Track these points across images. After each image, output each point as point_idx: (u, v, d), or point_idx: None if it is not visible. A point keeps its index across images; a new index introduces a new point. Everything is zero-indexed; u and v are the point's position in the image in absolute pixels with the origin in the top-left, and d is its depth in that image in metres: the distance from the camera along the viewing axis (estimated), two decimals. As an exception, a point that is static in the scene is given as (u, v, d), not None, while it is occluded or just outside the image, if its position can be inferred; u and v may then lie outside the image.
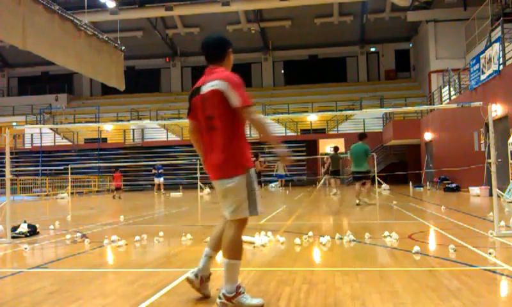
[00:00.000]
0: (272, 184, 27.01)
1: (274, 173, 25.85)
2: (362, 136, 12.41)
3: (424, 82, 32.26)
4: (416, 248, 4.98)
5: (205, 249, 3.56)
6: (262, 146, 26.77)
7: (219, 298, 3.21)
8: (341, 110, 31.50)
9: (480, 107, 6.47)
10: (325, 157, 20.55)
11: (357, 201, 11.90)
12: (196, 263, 4.83)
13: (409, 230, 6.76)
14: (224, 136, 3.20)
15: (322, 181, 24.20)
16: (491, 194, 7.35)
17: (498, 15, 18.71)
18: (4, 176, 7.12)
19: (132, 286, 3.86)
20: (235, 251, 3.27)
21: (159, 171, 24.64)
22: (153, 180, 25.21)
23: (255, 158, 17.92)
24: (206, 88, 3.25)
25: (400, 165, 27.38)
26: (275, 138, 3.27)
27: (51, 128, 32.76)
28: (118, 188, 20.49)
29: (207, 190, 21.79)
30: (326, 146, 31.07)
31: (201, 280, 3.47)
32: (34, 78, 42.44)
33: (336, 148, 19.17)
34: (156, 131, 33.72)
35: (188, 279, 3.47)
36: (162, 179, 24.82)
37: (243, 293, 3.20)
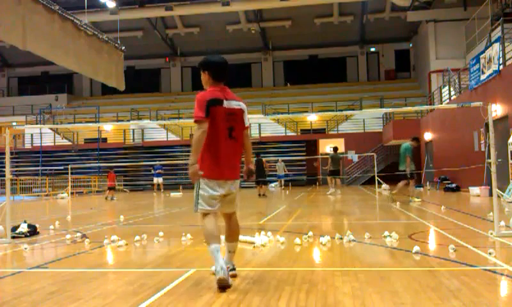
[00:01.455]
0: (272, 184, 27.04)
1: (277, 173, 25.97)
2: (412, 139, 12.98)
3: (424, 82, 32.25)
4: (416, 248, 4.97)
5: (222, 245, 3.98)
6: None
7: (234, 270, 4.02)
8: (341, 110, 31.49)
9: (480, 107, 6.47)
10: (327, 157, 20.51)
11: (409, 199, 12.46)
12: (196, 263, 4.84)
13: (409, 230, 6.76)
14: (240, 146, 4.03)
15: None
16: (491, 194, 7.35)
17: (498, 15, 18.71)
18: (4, 176, 7.12)
19: (132, 286, 3.86)
20: None
21: (157, 171, 24.63)
22: (153, 180, 25.24)
23: (260, 159, 17.89)
24: (232, 104, 3.91)
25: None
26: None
27: (51, 128, 32.76)
28: (110, 188, 20.06)
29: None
30: (326, 146, 31.08)
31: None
32: (34, 78, 42.44)
33: (335, 148, 19.16)
34: (156, 131, 33.71)
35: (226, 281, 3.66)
36: (161, 179, 24.82)
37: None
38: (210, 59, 4.01)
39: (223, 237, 4.05)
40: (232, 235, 4.06)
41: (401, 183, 12.78)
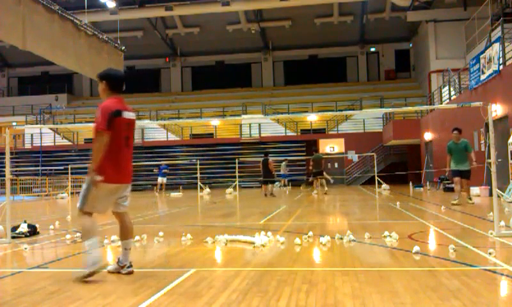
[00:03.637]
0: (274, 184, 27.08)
1: (281, 173, 26.06)
2: (452, 131, 11.50)
3: (424, 82, 32.26)
4: (416, 248, 4.97)
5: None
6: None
7: (131, 266, 4.31)
8: (341, 110, 31.50)
9: (480, 107, 6.47)
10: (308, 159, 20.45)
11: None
12: (196, 263, 4.85)
13: (409, 230, 6.75)
14: (132, 153, 4.41)
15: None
16: (491, 194, 7.35)
17: (498, 15, 18.70)
18: (4, 176, 7.12)
19: (132, 286, 3.86)
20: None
21: (163, 171, 24.62)
22: (156, 179, 25.23)
23: (267, 158, 17.79)
24: (129, 115, 4.28)
25: (400, 165, 27.39)
26: None
27: (51, 128, 32.76)
28: None
29: (207, 190, 21.80)
30: (326, 146, 31.11)
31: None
32: (34, 78, 42.43)
33: (315, 150, 19.23)
34: (156, 131, 33.72)
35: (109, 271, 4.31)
36: (165, 179, 24.82)
37: None
38: (109, 71, 4.42)
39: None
40: (127, 233, 4.40)
41: (458, 186, 11.26)
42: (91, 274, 4.00)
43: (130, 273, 4.27)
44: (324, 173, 19.00)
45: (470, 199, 11.46)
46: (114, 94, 4.28)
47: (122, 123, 4.19)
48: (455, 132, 11.34)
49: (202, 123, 33.39)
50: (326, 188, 18.52)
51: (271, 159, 17.97)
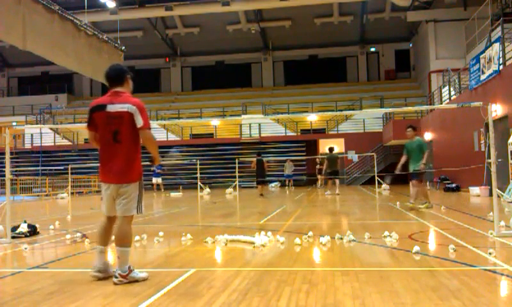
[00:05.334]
0: (272, 184, 27.07)
1: (284, 173, 26.11)
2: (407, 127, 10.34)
3: (424, 82, 32.25)
4: (416, 248, 4.98)
5: (97, 247, 4.18)
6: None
7: (116, 277, 3.93)
8: (341, 110, 31.48)
9: (480, 107, 6.47)
10: (323, 158, 20.32)
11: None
12: (196, 263, 4.85)
13: (409, 230, 6.76)
14: (128, 148, 4.05)
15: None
16: (491, 194, 7.34)
17: (498, 15, 18.70)
18: (4, 176, 7.11)
19: (132, 286, 3.86)
20: (128, 239, 4.08)
21: (157, 171, 24.63)
22: (152, 180, 25.24)
23: (262, 159, 17.80)
24: (116, 108, 4.00)
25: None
26: None
27: (51, 128, 32.74)
28: None
29: (207, 190, 21.81)
30: (326, 146, 31.08)
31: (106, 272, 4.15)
32: (34, 78, 42.41)
33: (331, 149, 19.16)
34: (156, 131, 33.67)
35: (94, 276, 4.11)
36: (160, 179, 24.82)
37: (133, 270, 4.01)
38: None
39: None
40: (114, 238, 4.14)
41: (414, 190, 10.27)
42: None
43: (115, 284, 3.94)
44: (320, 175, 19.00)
45: (424, 204, 10.03)
46: (110, 88, 4.19)
47: (103, 117, 4.02)
48: (408, 129, 10.14)
49: (202, 123, 33.38)
50: (337, 191, 18.17)
51: (265, 159, 18.09)
